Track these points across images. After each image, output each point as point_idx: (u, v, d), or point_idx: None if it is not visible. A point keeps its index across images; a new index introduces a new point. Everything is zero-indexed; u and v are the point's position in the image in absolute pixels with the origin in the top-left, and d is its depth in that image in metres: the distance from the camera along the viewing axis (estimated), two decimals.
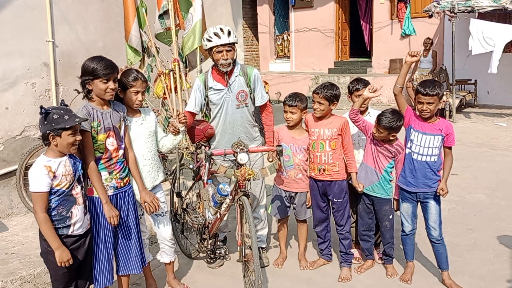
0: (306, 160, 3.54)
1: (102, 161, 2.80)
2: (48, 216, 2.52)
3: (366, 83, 3.53)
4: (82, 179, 2.69)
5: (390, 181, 3.42)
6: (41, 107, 2.47)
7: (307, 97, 3.54)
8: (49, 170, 2.49)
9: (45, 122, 2.46)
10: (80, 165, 2.67)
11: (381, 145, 3.34)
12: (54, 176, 2.51)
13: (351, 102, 3.61)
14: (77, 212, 2.63)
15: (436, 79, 9.00)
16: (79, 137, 2.55)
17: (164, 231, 3.24)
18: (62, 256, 2.54)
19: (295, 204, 3.64)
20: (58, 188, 2.53)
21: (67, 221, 2.59)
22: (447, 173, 3.28)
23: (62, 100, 2.65)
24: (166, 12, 4.47)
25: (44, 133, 2.49)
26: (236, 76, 3.49)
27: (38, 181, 2.47)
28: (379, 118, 3.25)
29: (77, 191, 2.64)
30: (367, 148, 3.44)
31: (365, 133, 3.44)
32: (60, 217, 2.57)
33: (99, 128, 2.76)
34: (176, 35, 4.57)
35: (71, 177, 2.58)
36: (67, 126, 2.46)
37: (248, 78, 3.52)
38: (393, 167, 3.40)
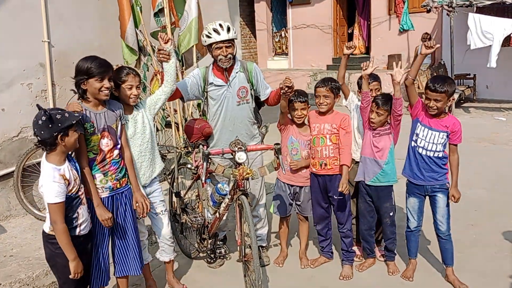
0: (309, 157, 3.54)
1: (95, 163, 2.76)
2: (66, 226, 2.48)
3: (375, 77, 3.57)
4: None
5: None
6: (45, 111, 2.38)
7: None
8: (64, 178, 2.46)
9: (50, 126, 2.38)
10: (77, 164, 2.65)
11: (378, 131, 3.34)
12: (68, 183, 2.49)
13: (359, 95, 3.60)
14: (83, 212, 2.62)
15: (435, 74, 8.98)
16: (80, 132, 2.55)
17: (164, 230, 3.23)
18: (78, 267, 2.52)
19: (300, 200, 3.62)
20: (70, 194, 2.51)
21: (74, 222, 2.58)
22: (455, 177, 3.23)
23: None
24: (161, 10, 4.44)
25: (50, 136, 2.39)
26: (236, 72, 3.46)
27: (56, 192, 2.41)
28: (375, 101, 3.30)
29: (82, 191, 2.63)
30: (364, 141, 3.43)
31: (364, 117, 3.42)
32: (67, 219, 2.53)
33: (92, 129, 2.72)
34: (172, 33, 4.54)
35: (78, 179, 2.58)
36: (73, 122, 2.43)
37: (249, 73, 3.49)
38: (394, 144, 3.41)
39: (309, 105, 3.50)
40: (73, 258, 2.50)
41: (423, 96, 3.21)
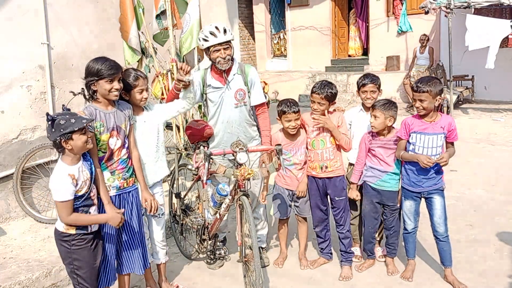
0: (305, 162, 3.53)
1: (103, 161, 2.81)
2: (74, 212, 2.56)
3: (373, 78, 3.51)
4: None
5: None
6: (47, 114, 2.47)
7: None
8: (73, 178, 2.52)
9: (53, 130, 2.46)
10: (93, 165, 2.69)
11: (385, 141, 3.34)
12: (76, 184, 2.54)
13: (358, 97, 3.63)
14: (94, 212, 2.68)
15: (433, 75, 9.00)
16: (90, 134, 2.59)
17: (157, 233, 3.24)
18: (115, 218, 2.67)
19: (297, 202, 3.62)
20: (78, 194, 2.56)
21: None
22: (452, 151, 3.22)
23: (63, 105, 2.63)
24: (163, 12, 4.46)
25: (54, 140, 2.48)
26: (234, 74, 3.47)
27: (64, 190, 2.49)
28: (373, 106, 3.31)
29: (94, 192, 2.68)
30: (369, 153, 3.42)
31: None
32: None
33: (102, 128, 2.77)
34: (174, 35, 4.55)
35: (89, 181, 2.62)
36: (75, 129, 2.47)
37: (246, 76, 3.49)
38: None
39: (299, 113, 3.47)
40: (105, 217, 2.68)
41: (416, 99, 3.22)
